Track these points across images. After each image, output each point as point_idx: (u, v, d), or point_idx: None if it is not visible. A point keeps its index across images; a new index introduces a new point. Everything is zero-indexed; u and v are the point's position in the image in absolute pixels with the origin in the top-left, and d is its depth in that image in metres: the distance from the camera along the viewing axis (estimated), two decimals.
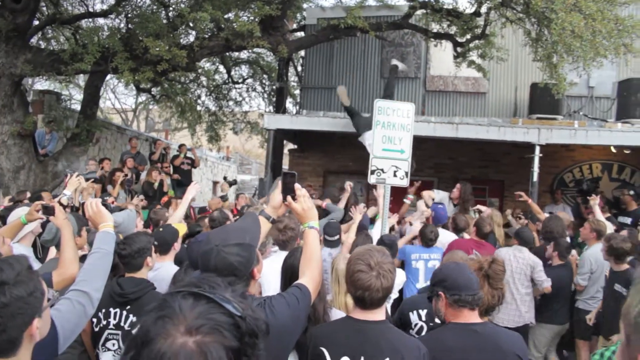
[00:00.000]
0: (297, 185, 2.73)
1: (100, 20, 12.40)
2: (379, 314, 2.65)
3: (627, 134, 10.60)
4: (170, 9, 11.43)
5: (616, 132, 10.74)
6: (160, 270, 4.37)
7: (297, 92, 17.00)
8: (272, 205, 2.79)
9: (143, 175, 12.15)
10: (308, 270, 2.58)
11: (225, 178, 12.45)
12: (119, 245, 3.71)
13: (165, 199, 10.64)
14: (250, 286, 2.41)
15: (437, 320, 3.25)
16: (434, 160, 13.32)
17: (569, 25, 7.44)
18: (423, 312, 3.91)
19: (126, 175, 11.13)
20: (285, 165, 16.41)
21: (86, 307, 2.44)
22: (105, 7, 12.41)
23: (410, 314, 3.99)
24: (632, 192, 10.12)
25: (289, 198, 2.71)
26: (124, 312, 3.61)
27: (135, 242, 3.81)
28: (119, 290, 3.64)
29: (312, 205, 2.75)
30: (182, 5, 10.93)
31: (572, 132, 10.37)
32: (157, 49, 9.26)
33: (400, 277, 5.19)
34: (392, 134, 6.84)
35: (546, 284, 6.08)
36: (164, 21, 10.85)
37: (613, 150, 12.17)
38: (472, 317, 2.83)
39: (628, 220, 9.50)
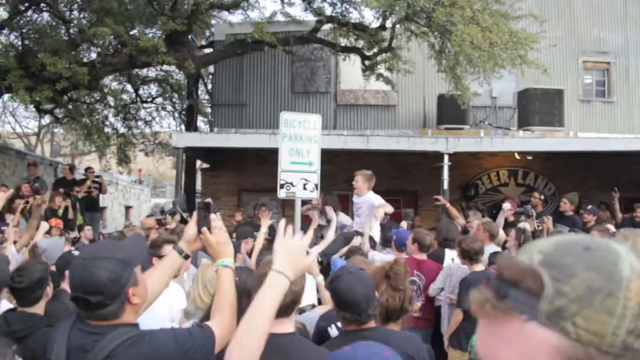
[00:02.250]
0: (213, 216, 2.49)
1: None
2: (287, 326, 2.52)
3: (527, 141, 11.10)
4: (71, 24, 10.93)
5: (518, 139, 11.22)
6: None
7: (208, 110, 16.71)
8: (186, 239, 2.53)
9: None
10: (219, 314, 2.36)
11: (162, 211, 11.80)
12: (14, 279, 3.35)
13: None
14: (126, 312, 2.16)
15: None
16: (347, 174, 13.32)
17: (467, 37, 7.71)
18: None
19: (27, 202, 10.48)
20: (199, 185, 16.05)
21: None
22: None
23: (329, 328, 3.88)
24: (541, 196, 10.57)
25: (204, 230, 2.47)
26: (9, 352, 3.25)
27: (32, 273, 3.44)
28: (5, 328, 3.22)
29: (228, 240, 2.52)
30: (83, 21, 10.49)
31: (478, 140, 10.72)
32: (56, 66, 8.81)
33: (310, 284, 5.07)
34: (300, 147, 6.77)
35: None
36: (64, 38, 10.37)
37: (517, 156, 12.69)
38: (364, 325, 2.77)
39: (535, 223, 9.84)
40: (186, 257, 2.56)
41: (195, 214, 2.54)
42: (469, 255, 5.44)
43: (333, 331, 3.84)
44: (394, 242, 6.48)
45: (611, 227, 8.25)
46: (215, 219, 2.50)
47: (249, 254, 6.11)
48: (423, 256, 5.93)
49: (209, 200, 2.54)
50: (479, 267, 5.48)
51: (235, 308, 2.41)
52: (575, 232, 7.84)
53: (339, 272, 2.97)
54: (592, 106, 13.96)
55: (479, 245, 5.47)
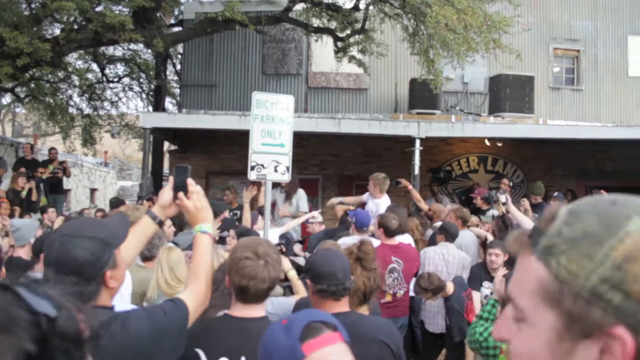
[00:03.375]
0: (189, 181, 2.38)
1: None
2: (259, 310, 2.44)
3: (498, 127, 11.13)
4: None
5: (490, 125, 11.24)
6: None
7: (177, 90, 16.38)
8: (161, 204, 2.41)
9: (6, 183, 11.06)
10: (193, 283, 2.25)
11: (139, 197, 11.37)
12: None
13: None
14: (102, 295, 2.01)
15: None
16: (317, 157, 13.27)
17: (442, 19, 7.64)
18: None
19: None
20: (166, 168, 15.75)
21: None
22: None
23: None
24: (510, 184, 10.66)
25: (180, 195, 2.36)
26: None
27: None
28: None
29: (207, 205, 2.41)
30: None
31: (449, 125, 10.70)
32: (16, 40, 8.44)
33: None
34: (272, 128, 6.59)
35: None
36: (25, 12, 9.97)
37: (487, 143, 12.74)
38: (336, 307, 2.68)
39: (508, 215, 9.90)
40: (160, 223, 2.44)
41: (171, 178, 2.43)
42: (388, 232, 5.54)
43: None
44: (353, 224, 6.38)
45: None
46: (193, 183, 2.40)
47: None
48: (394, 241, 5.70)
49: (186, 164, 2.42)
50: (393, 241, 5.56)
51: (211, 274, 2.33)
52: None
53: (315, 250, 2.92)
54: (562, 94, 14.10)
55: (395, 224, 5.50)
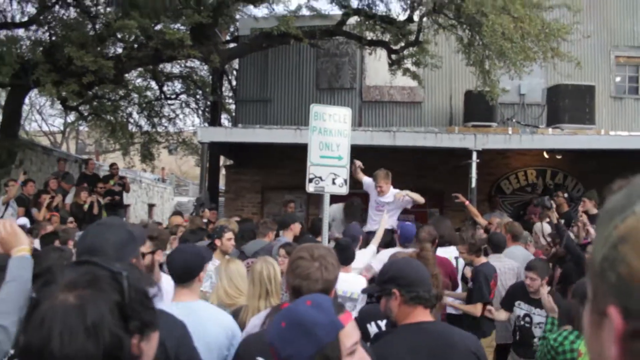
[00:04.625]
0: None
1: (20, 32, 11.73)
2: None
3: (557, 138, 10.83)
4: (97, 19, 10.95)
5: (548, 137, 10.95)
6: None
7: (232, 106, 16.66)
8: None
9: (70, 197, 11.47)
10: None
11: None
12: None
13: None
14: None
15: None
16: (372, 172, 13.18)
17: (499, 27, 7.53)
18: (382, 323, 3.66)
19: (53, 197, 10.52)
20: (221, 184, 16.00)
21: (2, 344, 1.99)
22: (25, 17, 11.74)
23: (368, 325, 3.75)
24: (565, 195, 10.32)
25: None
26: None
27: (44, 259, 3.39)
28: None
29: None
30: (110, 16, 10.50)
31: (507, 137, 10.48)
32: (82, 59, 8.81)
33: (360, 283, 4.93)
34: (329, 140, 6.62)
35: None
36: (90, 32, 10.39)
37: (546, 155, 12.41)
38: (424, 316, 2.64)
39: (561, 222, 9.62)
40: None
41: None
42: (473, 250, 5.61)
43: (372, 329, 3.70)
44: (397, 237, 6.30)
45: None
46: None
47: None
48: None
49: None
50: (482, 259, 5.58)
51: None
52: None
53: (390, 258, 2.87)
54: (625, 104, 13.61)
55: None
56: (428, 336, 2.56)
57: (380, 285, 2.76)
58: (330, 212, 8.73)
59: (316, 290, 2.36)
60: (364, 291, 3.49)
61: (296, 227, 6.82)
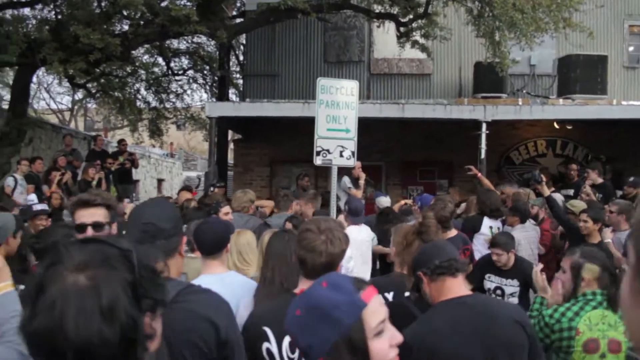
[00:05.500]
0: None
1: (26, 11, 11.67)
2: None
3: (568, 109, 10.75)
4: None
5: (559, 107, 10.86)
6: None
7: (239, 81, 16.59)
8: None
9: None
10: None
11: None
12: (31, 239, 3.36)
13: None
14: (176, 261, 2.23)
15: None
16: (381, 144, 13.18)
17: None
18: (389, 295, 3.68)
19: (63, 174, 10.57)
20: (230, 158, 16.01)
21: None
22: None
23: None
24: (577, 167, 10.32)
25: None
26: None
27: (51, 235, 3.43)
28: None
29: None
30: None
31: (517, 108, 10.41)
32: (89, 37, 8.75)
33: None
34: (337, 113, 6.61)
35: None
36: (96, 10, 10.31)
37: (556, 126, 12.33)
38: (458, 288, 2.59)
39: (571, 192, 9.62)
40: None
41: None
42: (441, 222, 5.33)
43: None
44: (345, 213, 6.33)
45: None
46: None
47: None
48: None
49: None
50: (452, 232, 5.42)
51: None
52: (611, 199, 7.66)
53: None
54: (638, 73, 13.41)
55: (449, 211, 5.41)
56: (468, 310, 2.52)
57: (414, 276, 2.75)
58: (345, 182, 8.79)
59: (320, 263, 2.37)
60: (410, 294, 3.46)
61: (294, 206, 6.84)
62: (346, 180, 8.78)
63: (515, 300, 4.91)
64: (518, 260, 5.10)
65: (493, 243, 5.10)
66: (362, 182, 8.28)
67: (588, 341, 2.96)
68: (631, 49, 13.47)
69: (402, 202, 8.30)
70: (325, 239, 2.38)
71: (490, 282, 5.08)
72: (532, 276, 4.33)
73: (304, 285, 2.44)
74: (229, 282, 3.15)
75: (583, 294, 3.12)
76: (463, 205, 8.27)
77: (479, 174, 8.54)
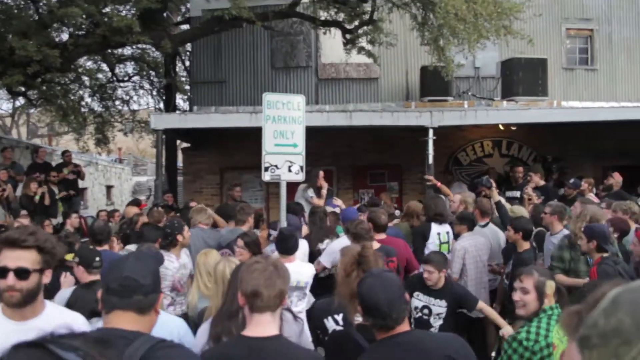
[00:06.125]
0: None
1: None
2: (273, 327, 2.50)
3: (512, 112, 11.02)
4: (40, 4, 10.48)
5: (503, 111, 11.13)
6: None
7: (187, 87, 16.35)
8: None
9: (20, 188, 11.13)
10: None
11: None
12: None
13: None
14: (151, 318, 2.18)
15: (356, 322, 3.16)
16: (331, 149, 13.22)
17: (452, 9, 7.53)
18: (339, 317, 3.71)
19: (4, 189, 10.19)
20: (180, 162, 15.79)
21: None
22: None
23: (325, 320, 3.79)
24: (521, 169, 10.59)
25: None
26: None
27: None
28: None
29: None
30: (53, 1, 10.07)
31: (462, 113, 10.61)
32: (26, 49, 8.45)
33: (305, 271, 4.99)
34: (284, 128, 6.58)
35: None
36: (33, 18, 9.97)
37: (501, 127, 12.60)
38: (392, 331, 2.63)
39: (517, 194, 9.85)
40: None
41: None
42: (376, 225, 5.50)
43: (330, 324, 3.75)
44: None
45: (594, 198, 8.28)
46: None
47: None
48: (382, 236, 5.77)
49: None
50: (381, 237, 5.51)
51: None
52: (549, 201, 7.89)
53: (365, 275, 2.85)
54: (576, 74, 13.87)
55: (384, 219, 5.52)
56: (402, 350, 2.56)
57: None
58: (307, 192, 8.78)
59: (275, 295, 2.45)
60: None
61: (251, 220, 6.78)
62: (302, 187, 8.78)
63: (440, 321, 4.89)
64: (448, 281, 5.05)
65: (426, 260, 5.05)
66: (324, 191, 8.26)
67: (563, 354, 3.04)
68: (569, 49, 13.92)
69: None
70: (274, 269, 2.49)
71: (419, 300, 4.99)
72: (462, 298, 4.42)
73: (255, 326, 2.49)
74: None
75: (543, 310, 3.23)
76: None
77: (439, 184, 8.68)
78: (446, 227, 6.63)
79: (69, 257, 4.67)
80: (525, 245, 5.71)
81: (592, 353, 0.82)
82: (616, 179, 9.21)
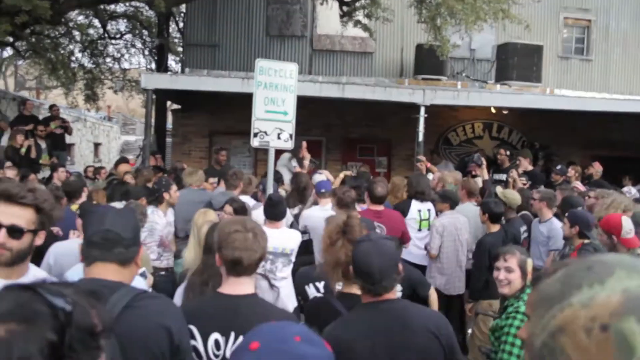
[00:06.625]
0: None
1: None
2: (249, 286, 2.57)
3: (505, 96, 11.02)
4: None
5: (495, 94, 11.12)
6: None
7: (180, 49, 16.13)
8: None
9: (5, 140, 10.99)
10: None
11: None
12: None
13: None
14: (132, 268, 2.23)
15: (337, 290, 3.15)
16: (322, 120, 13.16)
17: None
18: (320, 285, 3.75)
19: None
20: (169, 124, 15.65)
21: None
22: None
23: (307, 287, 3.85)
24: (507, 152, 10.59)
25: None
26: None
27: None
28: None
29: None
30: None
31: (455, 93, 10.57)
32: None
33: (290, 237, 4.99)
34: (275, 95, 6.54)
35: None
36: None
37: (493, 110, 12.62)
38: (379, 297, 2.64)
39: (503, 177, 9.90)
40: None
41: None
42: (345, 204, 5.34)
43: (311, 290, 3.79)
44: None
45: (579, 186, 8.34)
46: None
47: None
48: (379, 207, 5.83)
49: None
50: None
51: None
52: (536, 187, 7.95)
53: (362, 238, 2.85)
54: (571, 63, 13.88)
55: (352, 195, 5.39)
56: (385, 316, 2.58)
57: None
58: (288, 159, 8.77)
59: (255, 259, 2.50)
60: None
61: (242, 185, 6.78)
62: (286, 156, 8.76)
63: None
64: (406, 267, 5.14)
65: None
66: (306, 162, 8.24)
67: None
68: (566, 39, 13.91)
69: (342, 174, 8.31)
70: (253, 236, 2.51)
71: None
72: (416, 282, 4.45)
73: (231, 285, 2.54)
74: None
75: (524, 289, 3.32)
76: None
77: (429, 164, 8.72)
78: (428, 205, 6.66)
79: None
80: (494, 228, 5.74)
81: (530, 319, 0.86)
82: (596, 169, 9.47)
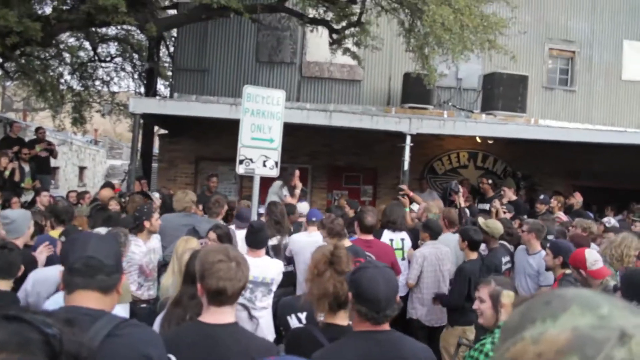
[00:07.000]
0: None
1: None
2: (229, 315, 2.54)
3: (490, 126, 11.14)
4: None
5: (481, 124, 11.26)
6: None
7: (169, 73, 16.20)
8: None
9: None
10: None
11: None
12: None
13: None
14: (113, 297, 2.21)
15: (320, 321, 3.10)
16: (309, 147, 13.22)
17: (439, 18, 7.59)
18: (302, 315, 3.69)
19: None
20: (156, 149, 15.63)
21: None
22: None
23: (289, 317, 3.78)
24: (490, 181, 10.66)
25: None
26: None
27: None
28: None
29: None
30: None
31: (441, 122, 10.68)
32: (6, 19, 8.27)
33: (272, 266, 4.96)
34: (262, 122, 6.59)
35: None
36: None
37: (478, 140, 12.74)
38: (375, 327, 2.62)
39: (487, 206, 9.95)
40: None
41: None
42: (336, 233, 5.34)
43: (293, 321, 3.74)
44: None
45: (562, 216, 8.43)
46: None
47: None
48: (368, 237, 5.82)
49: None
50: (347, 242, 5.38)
51: None
52: (519, 217, 8.01)
53: (365, 264, 2.82)
54: (555, 94, 14.11)
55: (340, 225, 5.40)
56: (379, 347, 2.55)
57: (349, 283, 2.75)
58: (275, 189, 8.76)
59: (239, 288, 2.49)
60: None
61: (223, 212, 6.80)
62: (277, 184, 8.75)
63: None
64: None
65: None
66: (298, 191, 8.24)
67: None
68: (550, 69, 14.16)
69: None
70: (236, 265, 2.48)
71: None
72: None
73: (212, 314, 2.51)
74: None
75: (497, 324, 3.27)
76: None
77: (411, 194, 8.72)
78: (401, 234, 6.58)
79: None
80: (472, 255, 5.71)
81: (496, 348, 0.88)
82: (577, 199, 9.65)
